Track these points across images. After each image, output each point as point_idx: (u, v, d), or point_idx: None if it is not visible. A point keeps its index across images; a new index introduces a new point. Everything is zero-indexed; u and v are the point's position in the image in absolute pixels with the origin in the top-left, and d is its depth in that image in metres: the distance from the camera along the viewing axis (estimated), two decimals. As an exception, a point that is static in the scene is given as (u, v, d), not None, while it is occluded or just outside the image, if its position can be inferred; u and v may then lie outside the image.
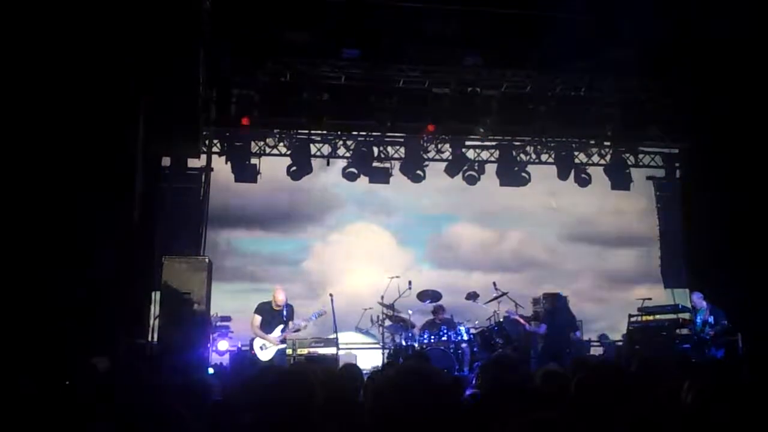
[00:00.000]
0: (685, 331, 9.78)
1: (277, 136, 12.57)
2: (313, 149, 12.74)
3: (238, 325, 11.03)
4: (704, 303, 9.83)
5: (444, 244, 13.44)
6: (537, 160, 13.35)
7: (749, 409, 2.47)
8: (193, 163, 11.85)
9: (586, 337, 11.97)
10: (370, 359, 10.66)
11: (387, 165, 12.93)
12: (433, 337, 10.26)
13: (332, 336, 10.13)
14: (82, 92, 7.56)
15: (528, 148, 13.27)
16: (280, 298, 9.54)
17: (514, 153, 13.21)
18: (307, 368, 4.27)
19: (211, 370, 8.29)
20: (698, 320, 9.77)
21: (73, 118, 7.51)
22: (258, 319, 9.54)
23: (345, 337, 10.78)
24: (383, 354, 10.56)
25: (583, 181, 13.24)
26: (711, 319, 9.64)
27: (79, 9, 7.49)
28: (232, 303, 11.44)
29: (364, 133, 12.72)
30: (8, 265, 7.01)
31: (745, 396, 2.57)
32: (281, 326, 9.52)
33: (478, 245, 13.91)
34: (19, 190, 7.19)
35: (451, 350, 10.06)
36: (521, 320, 10.59)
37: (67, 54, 7.42)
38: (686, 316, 9.92)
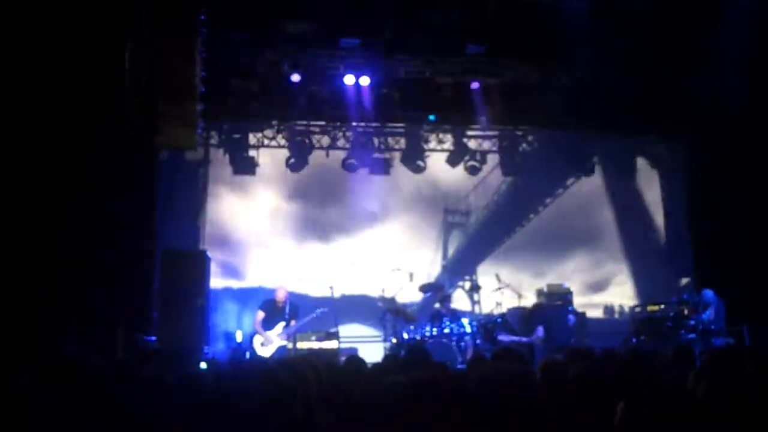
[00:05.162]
0: (691, 321, 9.61)
1: (276, 127, 12.47)
2: (313, 140, 12.64)
3: (237, 320, 11.00)
4: (712, 301, 9.55)
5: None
6: (540, 150, 13.23)
7: (752, 398, 2.37)
8: (192, 156, 11.76)
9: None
10: (371, 352, 10.56)
11: (387, 156, 12.83)
12: (435, 329, 10.13)
13: (333, 329, 10.07)
14: (79, 84, 7.45)
15: (530, 138, 13.14)
16: (281, 295, 9.60)
17: (516, 143, 13.10)
18: (302, 359, 4.20)
19: (203, 365, 8.23)
20: (705, 316, 9.55)
21: (69, 112, 7.42)
22: (261, 315, 9.55)
23: (346, 330, 10.71)
24: (384, 347, 10.47)
25: (588, 170, 13.14)
26: (710, 317, 9.36)
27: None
28: (231, 298, 11.40)
29: (363, 124, 12.58)
30: (6, 261, 6.93)
31: (749, 386, 2.48)
32: (282, 323, 9.49)
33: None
34: (16, 185, 7.11)
35: (454, 343, 9.93)
36: (515, 338, 10.27)
37: (63, 46, 7.32)
38: (691, 306, 9.74)
